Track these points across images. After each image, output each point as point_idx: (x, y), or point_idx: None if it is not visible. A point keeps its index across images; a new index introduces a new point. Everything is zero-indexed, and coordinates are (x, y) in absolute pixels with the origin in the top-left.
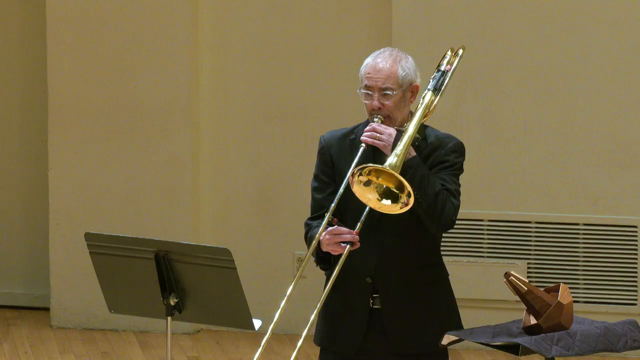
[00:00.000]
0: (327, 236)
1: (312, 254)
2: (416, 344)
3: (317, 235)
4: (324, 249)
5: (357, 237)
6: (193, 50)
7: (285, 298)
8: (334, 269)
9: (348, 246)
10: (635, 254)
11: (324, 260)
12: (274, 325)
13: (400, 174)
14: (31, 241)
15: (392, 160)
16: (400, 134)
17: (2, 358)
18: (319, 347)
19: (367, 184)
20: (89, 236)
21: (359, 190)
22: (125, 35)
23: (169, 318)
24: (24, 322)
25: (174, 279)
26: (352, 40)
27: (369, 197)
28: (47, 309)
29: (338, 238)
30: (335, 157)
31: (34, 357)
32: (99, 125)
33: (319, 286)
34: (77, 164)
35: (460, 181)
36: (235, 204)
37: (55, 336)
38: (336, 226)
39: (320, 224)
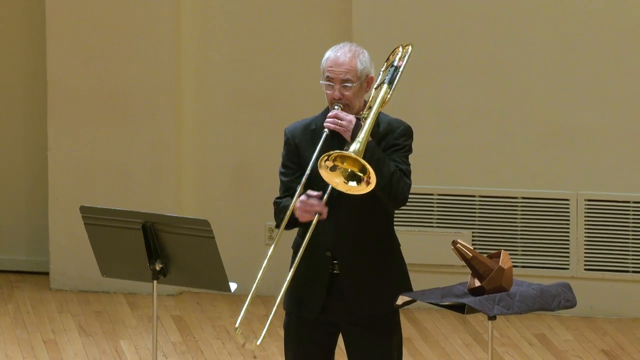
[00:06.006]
0: (299, 204)
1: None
2: (371, 306)
3: (292, 204)
4: (296, 214)
5: (326, 208)
6: (176, 44)
7: (263, 266)
8: (303, 239)
9: (317, 215)
10: (568, 224)
11: (294, 224)
12: (253, 292)
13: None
14: (33, 213)
15: (355, 146)
16: (359, 121)
17: (7, 317)
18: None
19: (333, 169)
20: (83, 209)
21: (325, 174)
22: (117, 29)
23: (155, 281)
24: (26, 285)
25: (159, 247)
26: (316, 35)
27: (336, 181)
28: (46, 274)
29: (309, 208)
30: (300, 146)
31: (35, 316)
32: (93, 110)
33: (287, 253)
34: (73, 145)
35: (412, 160)
36: (213, 181)
37: (54, 297)
38: (308, 196)
39: (288, 201)
